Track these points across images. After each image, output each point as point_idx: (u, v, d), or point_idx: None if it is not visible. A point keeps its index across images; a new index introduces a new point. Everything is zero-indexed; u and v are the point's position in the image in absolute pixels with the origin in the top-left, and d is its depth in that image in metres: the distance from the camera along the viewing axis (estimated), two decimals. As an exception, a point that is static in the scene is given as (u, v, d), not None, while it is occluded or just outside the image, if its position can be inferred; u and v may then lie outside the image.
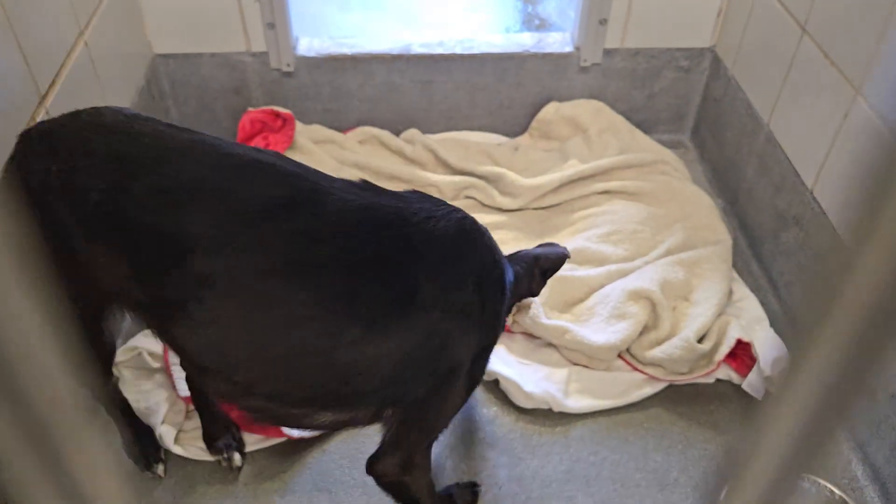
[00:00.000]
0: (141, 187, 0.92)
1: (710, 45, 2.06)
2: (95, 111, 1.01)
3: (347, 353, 0.93)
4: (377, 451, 1.09)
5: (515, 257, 1.19)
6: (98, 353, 1.17)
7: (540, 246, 1.27)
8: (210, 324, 0.93)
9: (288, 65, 2.03)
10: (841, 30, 1.47)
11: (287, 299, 0.92)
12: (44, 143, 0.99)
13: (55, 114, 1.37)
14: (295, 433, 1.41)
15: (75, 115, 1.01)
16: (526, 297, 1.21)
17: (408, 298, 0.94)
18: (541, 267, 1.19)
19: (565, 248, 1.24)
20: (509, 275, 1.09)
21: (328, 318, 0.92)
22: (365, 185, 1.00)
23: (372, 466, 1.10)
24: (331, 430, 1.19)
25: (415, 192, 1.05)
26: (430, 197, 1.04)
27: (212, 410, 1.39)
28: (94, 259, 0.96)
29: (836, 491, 1.25)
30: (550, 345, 1.59)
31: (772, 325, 1.62)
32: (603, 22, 1.99)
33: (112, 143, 0.95)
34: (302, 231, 0.92)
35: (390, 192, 1.02)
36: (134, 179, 0.93)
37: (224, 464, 1.39)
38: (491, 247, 1.07)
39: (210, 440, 1.39)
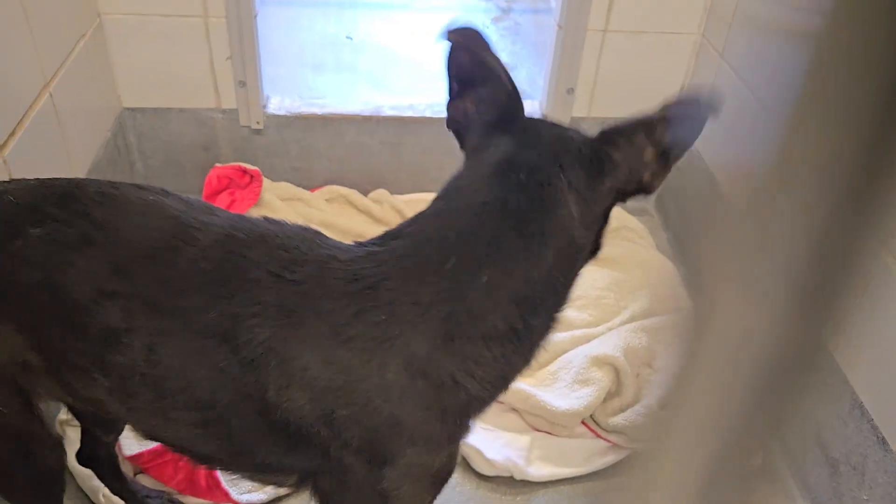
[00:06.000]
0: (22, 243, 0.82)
1: (674, 117, 2.11)
2: None
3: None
4: None
5: None
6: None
7: None
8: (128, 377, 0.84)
9: (258, 122, 2.03)
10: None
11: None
12: None
13: (12, 164, 1.35)
14: (243, 498, 1.35)
15: None
16: None
17: None
18: None
19: None
20: None
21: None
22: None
23: None
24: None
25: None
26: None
27: (137, 491, 1.34)
28: None
29: None
30: (513, 410, 1.56)
31: (734, 393, 1.61)
32: (570, 91, 2.04)
33: None
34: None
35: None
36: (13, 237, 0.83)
37: None
38: None
39: None
